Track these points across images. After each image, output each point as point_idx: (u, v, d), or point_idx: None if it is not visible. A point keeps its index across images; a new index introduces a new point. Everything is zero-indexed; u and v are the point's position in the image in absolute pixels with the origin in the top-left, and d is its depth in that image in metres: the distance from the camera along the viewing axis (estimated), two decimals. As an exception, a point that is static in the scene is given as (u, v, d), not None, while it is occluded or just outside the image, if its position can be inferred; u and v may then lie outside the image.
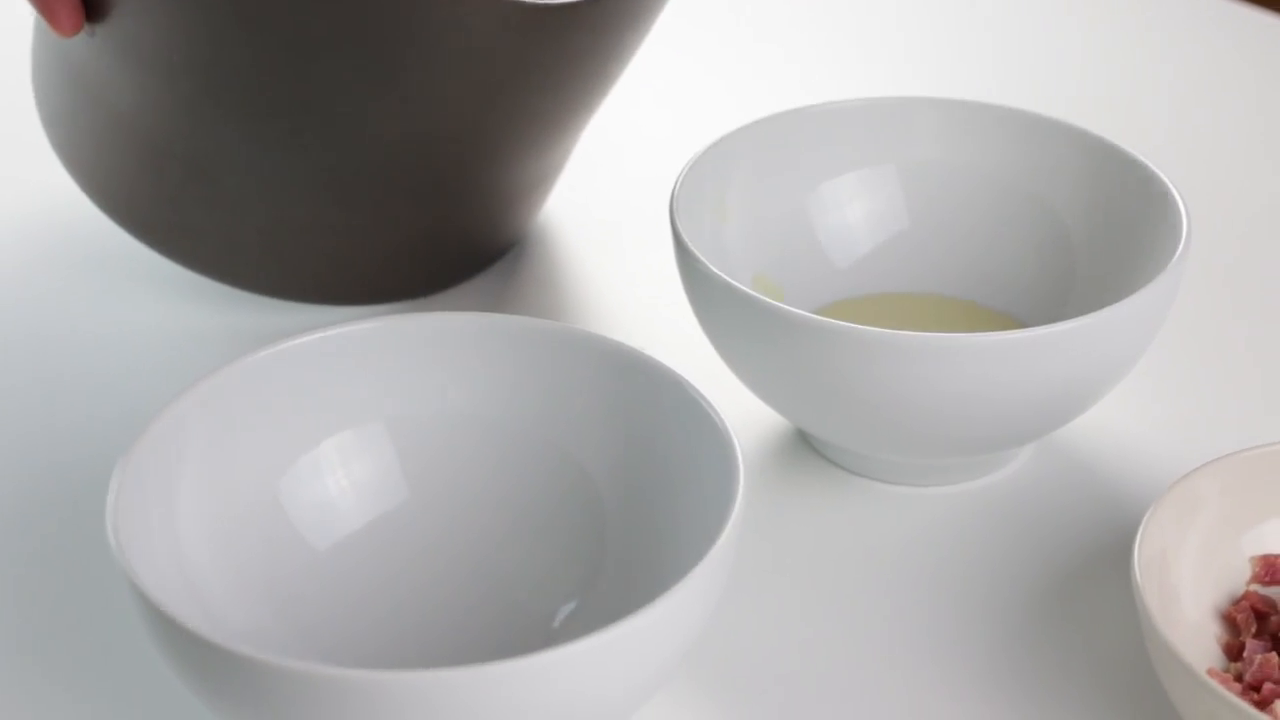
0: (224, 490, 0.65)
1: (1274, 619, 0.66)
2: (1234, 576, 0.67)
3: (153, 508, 0.62)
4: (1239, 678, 0.64)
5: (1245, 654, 0.65)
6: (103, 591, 0.70)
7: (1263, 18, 1.09)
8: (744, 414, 0.76)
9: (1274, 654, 0.64)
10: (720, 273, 0.71)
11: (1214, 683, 0.59)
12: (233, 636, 0.61)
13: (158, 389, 0.74)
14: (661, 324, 0.83)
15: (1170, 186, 0.75)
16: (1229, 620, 0.66)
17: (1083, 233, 0.79)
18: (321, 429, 0.68)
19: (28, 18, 0.87)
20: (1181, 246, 0.71)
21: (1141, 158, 0.77)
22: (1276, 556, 0.68)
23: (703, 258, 0.72)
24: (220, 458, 0.66)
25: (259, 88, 0.74)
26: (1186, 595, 0.66)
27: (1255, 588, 0.67)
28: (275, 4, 0.71)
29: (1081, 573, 0.71)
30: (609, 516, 0.67)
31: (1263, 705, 0.62)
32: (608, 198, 0.94)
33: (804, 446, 0.77)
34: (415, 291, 0.84)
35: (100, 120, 0.79)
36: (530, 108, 0.78)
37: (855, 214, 0.82)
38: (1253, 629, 0.65)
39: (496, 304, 0.85)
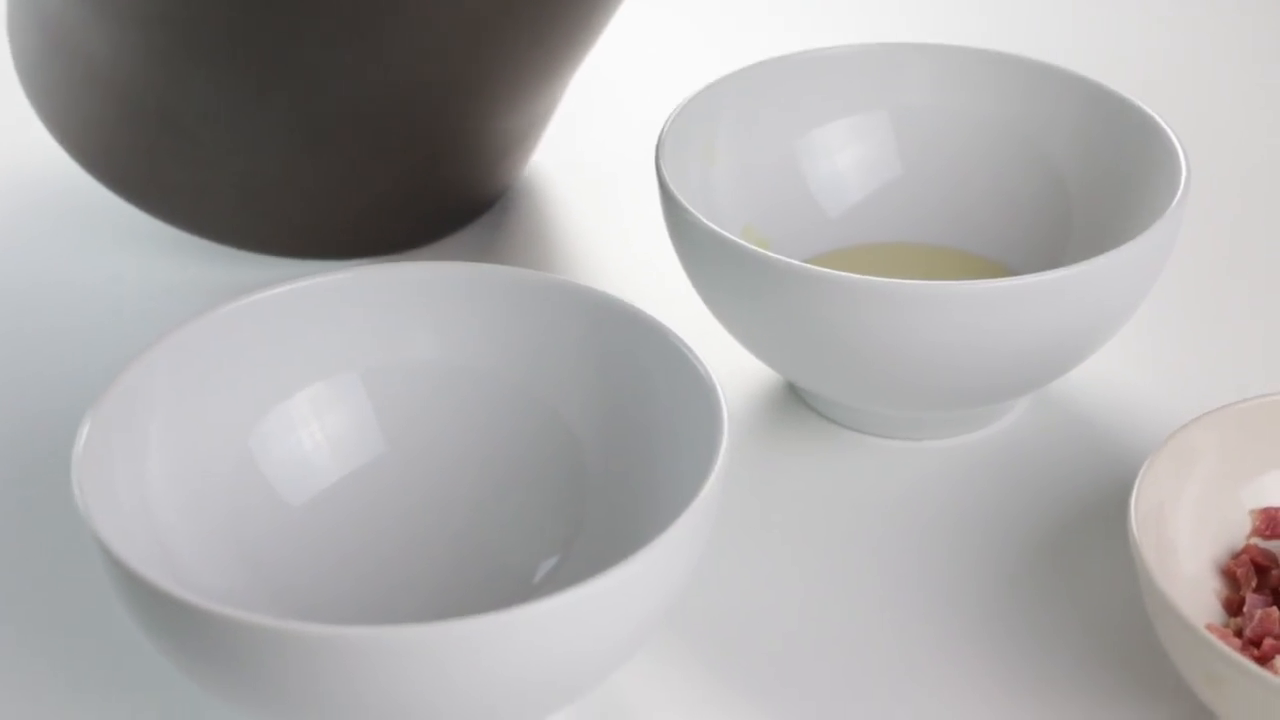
0: (194, 444, 0.64)
1: (1274, 573, 0.65)
2: (1233, 530, 0.66)
3: (120, 462, 0.61)
4: (1239, 633, 0.63)
5: (1245, 609, 0.64)
6: (70, 548, 0.69)
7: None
8: (734, 369, 0.75)
9: (1274, 609, 0.63)
10: (706, 220, 0.70)
11: (1213, 638, 0.58)
12: (202, 594, 0.60)
13: (131, 343, 0.73)
14: (650, 278, 0.82)
15: (1169, 131, 0.74)
16: (1228, 575, 0.65)
17: (1079, 180, 0.78)
18: (295, 381, 0.67)
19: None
20: (1180, 192, 0.70)
21: (1139, 102, 0.76)
22: (1277, 509, 0.66)
23: (689, 205, 0.71)
24: (190, 411, 0.64)
25: (229, 37, 0.73)
26: (1185, 549, 0.65)
27: (1255, 541, 0.66)
28: None
29: (1077, 527, 0.70)
30: (591, 470, 0.66)
31: (1263, 661, 0.61)
32: (597, 149, 0.93)
33: (795, 401, 0.76)
34: (397, 245, 0.83)
35: (75, 72, 0.78)
36: (510, 57, 0.76)
37: (846, 161, 0.81)
38: (1253, 583, 0.64)
39: (481, 258, 0.84)
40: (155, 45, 0.75)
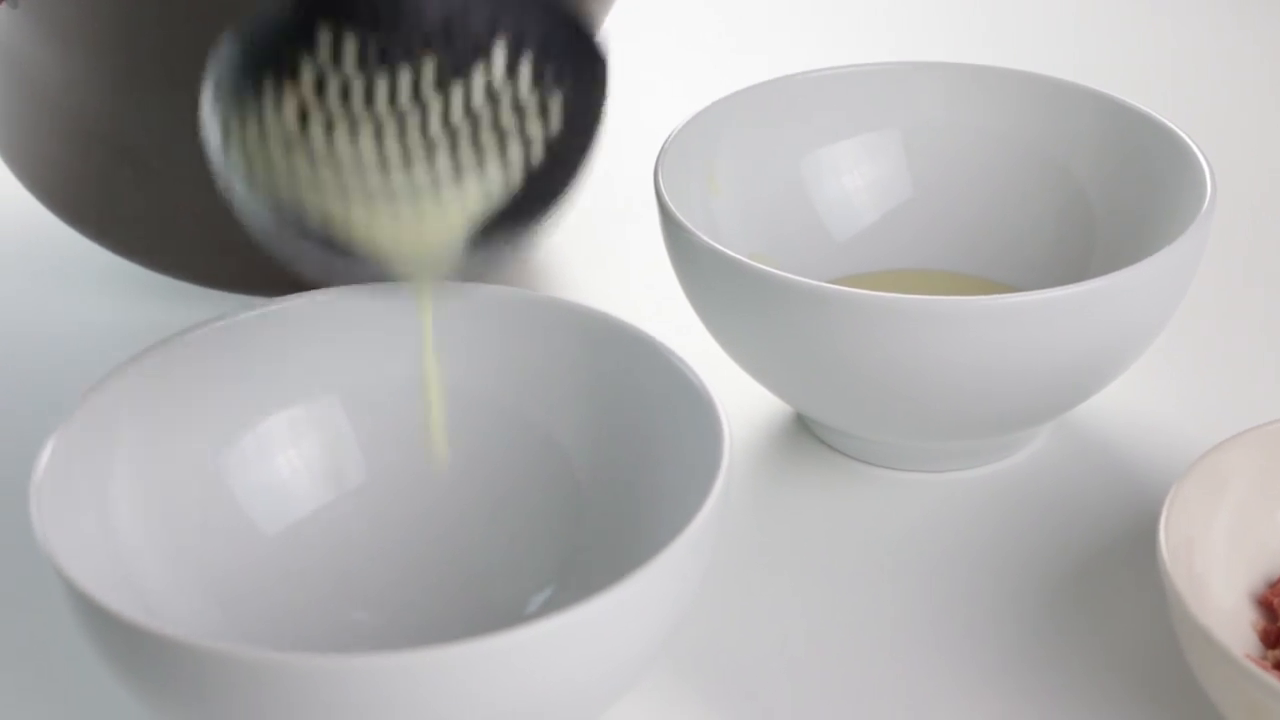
0: (162, 471, 0.62)
1: (1315, 603, 0.63)
2: (1270, 557, 0.64)
3: (83, 488, 0.59)
4: (1278, 665, 0.61)
5: (1285, 640, 0.62)
6: (33, 584, 0.66)
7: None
8: (741, 401, 0.74)
9: (1316, 639, 0.61)
10: (710, 240, 0.68)
11: (1256, 668, 0.56)
12: (169, 624, 0.57)
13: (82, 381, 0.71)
14: (650, 307, 0.79)
15: (1192, 144, 0.72)
16: (1265, 605, 0.63)
17: (1102, 199, 0.76)
18: (270, 403, 0.65)
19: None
20: (1207, 203, 0.69)
21: (1161, 117, 0.74)
22: (1317, 536, 0.64)
23: (691, 227, 0.69)
24: (158, 436, 0.63)
25: (177, 63, 0.71)
26: (1218, 579, 0.63)
27: (1294, 570, 0.64)
28: None
29: (1101, 561, 0.68)
30: (587, 497, 0.64)
31: (1305, 694, 0.58)
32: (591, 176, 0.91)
33: (804, 432, 0.74)
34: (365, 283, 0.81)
35: (28, 100, 0.77)
36: None
37: (855, 183, 0.79)
38: (1292, 613, 0.63)
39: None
40: (106, 71, 0.74)
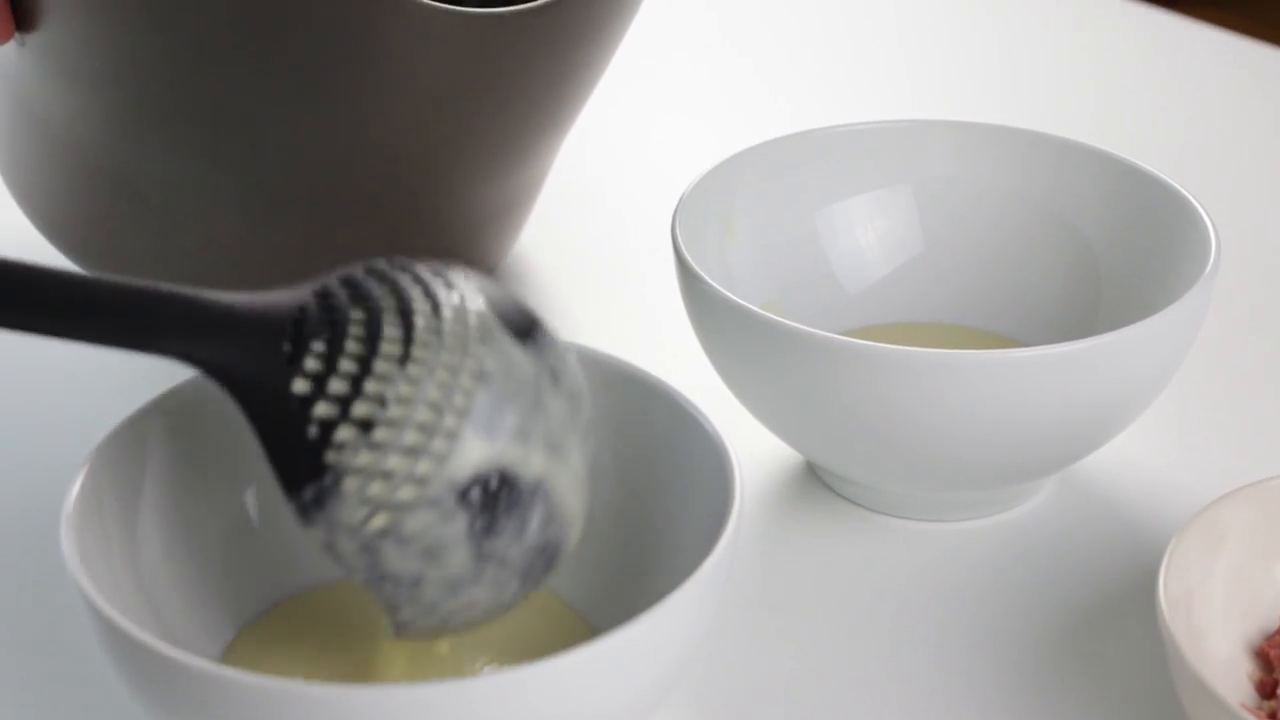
0: (188, 503, 0.63)
1: (1310, 654, 0.63)
2: (1265, 609, 0.64)
3: (111, 519, 0.60)
4: (1273, 716, 0.61)
5: (1279, 691, 0.62)
6: (60, 608, 0.67)
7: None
8: (753, 450, 0.74)
9: (1310, 691, 0.61)
10: (726, 291, 0.68)
11: (1252, 718, 0.56)
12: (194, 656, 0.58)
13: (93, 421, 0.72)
14: (664, 355, 0.78)
15: (1197, 205, 0.73)
16: (1261, 656, 0.64)
17: (1108, 256, 0.77)
18: None
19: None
20: (1211, 262, 0.69)
21: (1165, 176, 0.75)
22: (1313, 589, 0.64)
23: (707, 277, 0.69)
24: (185, 468, 0.63)
25: (178, 99, 0.72)
26: (1216, 630, 0.63)
27: (1290, 622, 0.64)
28: (187, 10, 0.69)
29: (1104, 609, 0.69)
30: (599, 537, 0.63)
31: (1298, 743, 0.59)
32: (598, 228, 0.92)
33: (814, 481, 0.75)
34: None
35: (34, 135, 0.78)
36: (476, 127, 0.74)
37: (868, 237, 0.79)
38: (1287, 665, 0.63)
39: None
40: (106, 104, 0.74)
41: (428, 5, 0.69)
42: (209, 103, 0.72)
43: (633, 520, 0.64)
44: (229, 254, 0.77)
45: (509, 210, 0.82)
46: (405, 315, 0.56)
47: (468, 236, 0.81)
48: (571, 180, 0.94)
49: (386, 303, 0.56)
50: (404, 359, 0.55)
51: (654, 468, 0.63)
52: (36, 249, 0.84)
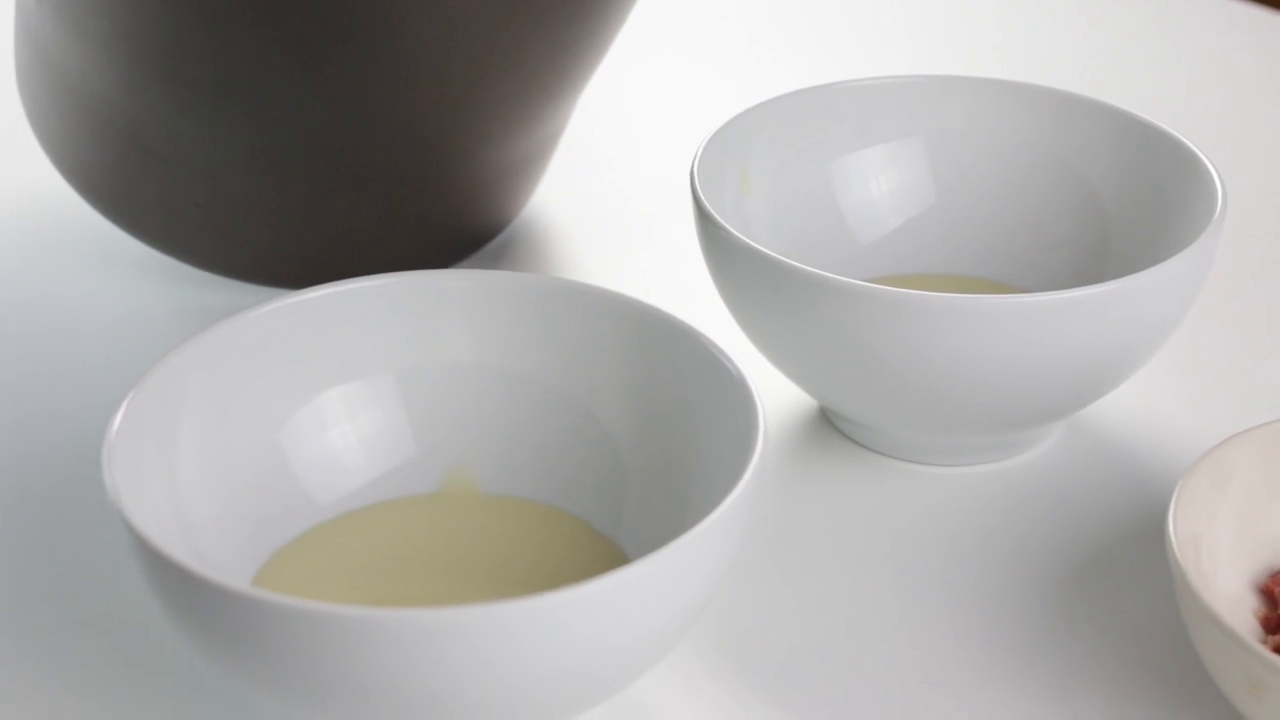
0: (225, 438, 0.64)
1: (1313, 591, 0.64)
2: (1270, 548, 0.66)
3: (151, 450, 0.61)
4: (1277, 650, 0.62)
5: (1284, 626, 0.63)
6: (98, 548, 0.68)
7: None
8: (767, 395, 0.74)
9: (1314, 626, 0.62)
10: (744, 237, 0.69)
11: (1257, 645, 0.57)
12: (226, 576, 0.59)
13: (118, 366, 0.73)
14: (680, 300, 0.80)
15: (1203, 157, 0.74)
16: (1266, 593, 0.65)
17: (1117, 208, 0.77)
18: (327, 381, 0.66)
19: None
20: (1218, 213, 0.70)
21: (1172, 130, 0.76)
22: (1316, 528, 0.66)
23: (724, 222, 0.70)
24: (223, 406, 0.64)
25: (182, 63, 0.73)
26: (1222, 569, 0.64)
27: (1294, 559, 0.65)
28: None
29: (1113, 550, 0.69)
30: (628, 470, 0.65)
31: (1303, 675, 0.60)
32: (613, 183, 0.93)
33: (828, 426, 0.76)
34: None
35: (53, 84, 0.79)
36: (483, 87, 0.75)
37: (880, 189, 0.80)
38: (1292, 601, 0.64)
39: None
40: (116, 63, 0.75)
41: None
42: (212, 68, 0.73)
43: (661, 455, 0.65)
44: (237, 208, 0.78)
45: (520, 169, 0.83)
46: None
47: (476, 195, 0.82)
48: (588, 135, 0.94)
49: None
50: None
51: (681, 406, 0.64)
52: (59, 190, 0.87)
